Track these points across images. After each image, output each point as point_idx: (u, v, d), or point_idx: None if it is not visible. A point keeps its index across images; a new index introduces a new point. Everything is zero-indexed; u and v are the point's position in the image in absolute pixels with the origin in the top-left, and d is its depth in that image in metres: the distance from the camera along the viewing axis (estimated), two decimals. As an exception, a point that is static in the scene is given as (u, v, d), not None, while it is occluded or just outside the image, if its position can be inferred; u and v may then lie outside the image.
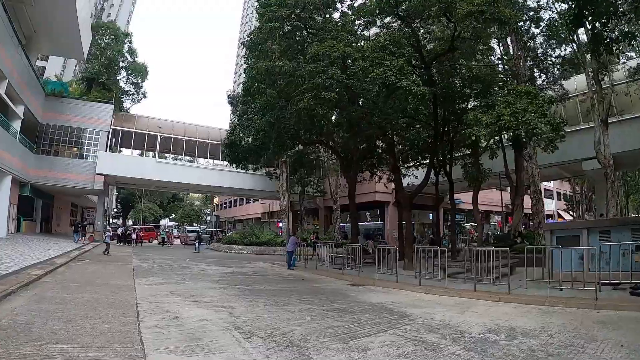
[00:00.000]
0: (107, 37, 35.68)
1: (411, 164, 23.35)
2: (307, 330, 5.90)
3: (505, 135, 16.97)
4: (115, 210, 64.00)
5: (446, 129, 17.98)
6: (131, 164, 31.59)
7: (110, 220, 54.24)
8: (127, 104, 40.11)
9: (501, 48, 20.62)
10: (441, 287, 10.45)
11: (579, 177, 34.16)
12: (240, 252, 27.67)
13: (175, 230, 63.59)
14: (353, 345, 5.14)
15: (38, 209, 31.13)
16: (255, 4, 16.27)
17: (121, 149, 33.36)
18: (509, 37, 19.27)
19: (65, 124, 28.20)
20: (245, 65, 22.78)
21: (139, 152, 34.10)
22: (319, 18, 15.33)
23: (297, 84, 12.59)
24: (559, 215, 47.87)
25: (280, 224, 34.27)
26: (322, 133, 19.59)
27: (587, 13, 7.90)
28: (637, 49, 18.24)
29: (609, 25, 8.88)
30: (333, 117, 20.02)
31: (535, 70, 20.11)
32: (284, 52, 13.70)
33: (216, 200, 72.19)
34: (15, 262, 11.49)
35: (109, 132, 29.84)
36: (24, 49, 21.99)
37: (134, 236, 33.15)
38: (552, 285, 9.08)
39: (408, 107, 14.68)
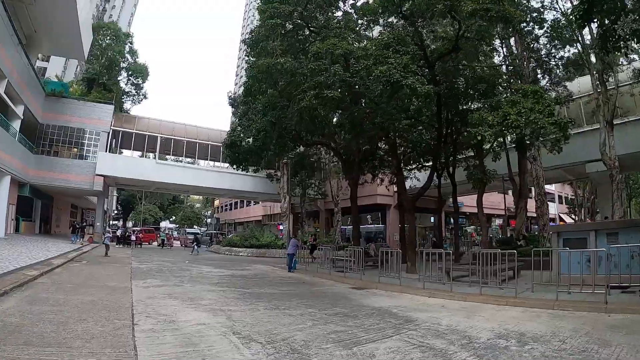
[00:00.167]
0: (108, 37, 35.58)
1: (413, 166, 23.11)
2: (308, 335, 5.66)
3: (509, 137, 16.79)
4: (115, 211, 63.87)
5: (449, 130, 17.76)
6: (131, 165, 31.41)
7: (111, 222, 54.06)
8: (127, 105, 40.08)
9: (504, 50, 20.45)
10: (446, 291, 10.20)
11: (582, 180, 33.91)
12: (241, 254, 27.45)
13: (176, 232, 63.35)
14: (357, 351, 4.90)
15: (37, 209, 30.96)
16: (258, 2, 16.14)
17: (121, 150, 33.21)
18: (513, 38, 19.11)
19: (65, 124, 28.05)
20: (246, 66, 22.63)
21: (139, 153, 33.92)
22: (321, 17, 15.15)
23: (299, 82, 12.39)
24: (561, 219, 47.52)
25: (281, 227, 34.07)
26: (323, 134, 19.38)
27: (596, 10, 7.69)
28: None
29: (618, 22, 8.66)
30: (335, 119, 19.84)
31: (538, 71, 19.93)
32: (285, 51, 13.50)
33: (217, 202, 71.99)
34: (11, 262, 11.32)
35: (109, 133, 29.69)
36: (24, 48, 21.86)
37: (133, 238, 32.94)
38: (560, 289, 8.83)
39: (411, 107, 14.49)
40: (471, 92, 15.63)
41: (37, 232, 29.83)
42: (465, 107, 17.26)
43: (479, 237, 39.14)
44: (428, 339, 5.62)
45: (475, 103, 16.75)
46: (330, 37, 12.21)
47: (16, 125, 22.07)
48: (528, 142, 16.64)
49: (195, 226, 67.29)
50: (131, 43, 37.93)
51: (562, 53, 19.57)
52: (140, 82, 38.41)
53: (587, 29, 16.41)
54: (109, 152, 30.22)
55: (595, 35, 16.22)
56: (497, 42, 19.19)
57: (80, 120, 28.53)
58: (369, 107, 13.95)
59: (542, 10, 18.30)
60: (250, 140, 17.78)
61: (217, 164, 35.08)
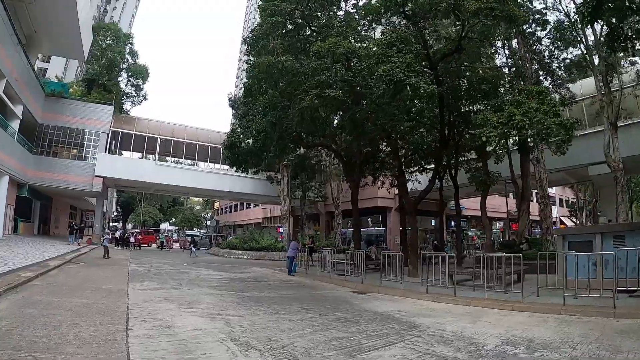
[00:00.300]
0: (109, 38, 35.46)
1: (414, 168, 22.94)
2: (309, 342, 5.44)
3: (511, 139, 16.61)
4: (115, 213, 63.67)
5: (451, 132, 17.59)
6: (130, 167, 31.23)
7: (110, 224, 53.86)
8: (127, 106, 39.91)
9: (507, 51, 20.32)
10: (449, 295, 9.98)
11: (584, 183, 33.73)
12: (240, 257, 27.24)
13: (175, 234, 63.14)
14: (360, 360, 4.70)
15: (36, 210, 30.78)
16: (259, 2, 15.99)
17: (121, 151, 33.05)
18: (515, 40, 18.98)
19: (64, 124, 27.87)
20: (246, 67, 22.48)
21: (139, 154, 33.72)
22: (323, 16, 14.98)
23: (300, 82, 12.19)
24: (561, 222, 47.33)
25: (281, 229, 33.84)
26: (324, 135, 19.19)
27: (605, 7, 7.52)
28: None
29: (626, 20, 8.51)
30: (335, 121, 19.67)
31: (541, 73, 19.79)
32: (286, 51, 13.31)
33: (216, 204, 71.84)
34: (7, 263, 11.15)
35: (108, 134, 29.53)
36: (24, 48, 21.72)
37: (132, 239, 32.73)
38: (567, 293, 8.62)
39: (413, 108, 14.31)
40: (474, 93, 15.44)
41: (35, 233, 29.63)
42: (467, 108, 17.09)
43: (479, 240, 39.01)
44: (434, 346, 5.41)
45: (478, 105, 16.59)
46: (332, 36, 12.04)
47: (15, 125, 21.92)
48: (531, 144, 16.45)
49: (195, 228, 67.08)
50: (131, 44, 37.81)
51: (564, 55, 19.49)
52: (140, 83, 38.27)
53: (590, 30, 16.37)
54: (109, 153, 30.07)
55: (597, 36, 16.21)
56: (499, 43, 19.08)
57: (80, 121, 28.36)
58: (370, 108, 13.75)
59: (544, 12, 18.18)
60: (250, 141, 17.57)
61: (217, 166, 34.90)
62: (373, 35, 16.16)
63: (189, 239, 34.49)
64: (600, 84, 16.21)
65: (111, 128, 29.96)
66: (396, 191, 27.37)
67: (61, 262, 14.36)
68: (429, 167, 21.86)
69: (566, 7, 17.54)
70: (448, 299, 9.73)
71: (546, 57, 19.50)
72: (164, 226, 72.90)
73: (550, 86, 19.68)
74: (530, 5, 18.08)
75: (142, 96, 39.22)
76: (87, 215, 45.58)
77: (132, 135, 31.70)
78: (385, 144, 19.29)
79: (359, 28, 15.34)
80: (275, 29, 12.75)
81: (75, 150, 28.61)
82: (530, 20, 17.65)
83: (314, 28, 14.50)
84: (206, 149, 33.89)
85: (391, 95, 11.12)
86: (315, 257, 20.46)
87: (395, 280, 11.97)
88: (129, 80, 37.97)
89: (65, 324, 5.69)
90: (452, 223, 37.65)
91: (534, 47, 19.37)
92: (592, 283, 8.78)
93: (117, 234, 34.25)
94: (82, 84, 36.61)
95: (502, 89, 16.08)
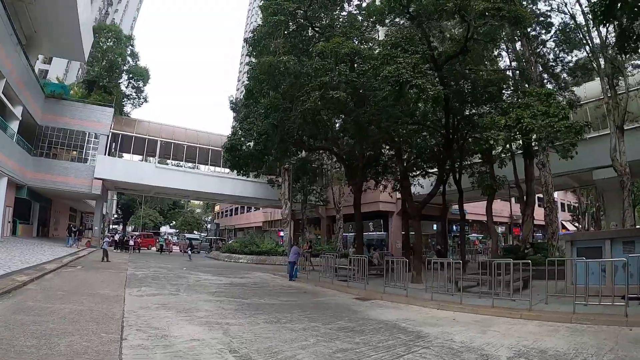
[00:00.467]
0: (109, 39, 35.34)
1: (417, 172, 22.69)
2: (312, 354, 5.16)
3: (515, 143, 16.36)
4: (115, 216, 63.42)
5: (456, 136, 17.36)
6: (130, 169, 31.02)
7: (110, 226, 53.60)
8: (127, 108, 39.68)
9: (510, 54, 20.14)
10: (455, 303, 9.69)
11: (587, 187, 33.42)
12: (240, 261, 26.96)
13: (175, 237, 62.87)
14: (367, 374, 4.42)
15: (35, 212, 30.53)
16: (261, 2, 15.78)
17: (121, 153, 32.82)
18: (519, 42, 18.79)
19: (64, 126, 27.69)
20: (247, 68, 22.28)
21: (139, 157, 33.53)
22: (326, 17, 14.76)
23: (303, 83, 11.94)
24: (564, 227, 47.02)
25: (282, 233, 33.55)
26: (327, 138, 18.94)
27: (618, 7, 7.30)
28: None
29: (637, 20, 8.28)
30: (338, 124, 19.44)
31: (545, 76, 19.59)
32: (288, 52, 13.08)
33: (217, 208, 71.61)
34: (2, 266, 10.90)
35: (108, 136, 29.35)
36: (24, 48, 21.55)
37: (131, 242, 32.46)
38: (576, 300, 8.35)
39: (417, 111, 14.06)
40: (479, 96, 15.20)
41: (34, 235, 29.37)
42: (472, 111, 16.87)
43: (481, 244, 38.65)
44: (444, 359, 5.14)
45: (482, 107, 16.37)
46: (336, 36, 11.81)
47: (14, 126, 21.74)
48: (536, 148, 16.20)
49: (195, 232, 66.83)
50: (132, 46, 37.67)
51: (569, 57, 19.27)
52: (141, 85, 38.06)
53: (595, 32, 16.16)
54: (109, 155, 29.86)
55: (603, 39, 16.01)
56: (503, 45, 18.89)
57: (80, 122, 28.18)
58: (374, 110, 13.51)
59: (548, 14, 18.00)
60: (251, 144, 17.32)
61: (217, 169, 34.68)
62: (376, 37, 15.95)
63: (188, 242, 34.26)
64: (607, 86, 15.97)
65: (111, 130, 29.78)
66: (398, 195, 27.10)
67: (58, 265, 14.11)
68: (431, 171, 21.62)
69: (572, 9, 17.39)
70: (454, 306, 9.45)
71: (550, 60, 19.31)
72: (164, 229, 72.64)
73: (555, 89, 19.49)
74: (534, 7, 17.90)
75: (143, 98, 39.01)
76: (87, 218, 45.36)
77: (133, 138, 31.53)
78: (388, 147, 19.05)
79: (363, 29, 15.13)
80: (277, 28, 12.52)
81: (75, 152, 28.42)
82: (534, 24, 17.45)
83: (316, 29, 14.27)
84: (207, 152, 33.70)
85: (395, 98, 10.89)
86: (316, 262, 20.15)
87: (398, 287, 11.70)
88: (129, 82, 37.78)
89: (56, 332, 5.42)
90: (454, 227, 37.38)
91: (538, 49, 19.19)
92: (602, 290, 8.52)
93: (117, 237, 33.96)
94: (83, 85, 36.42)
95: (506, 92, 15.86)
